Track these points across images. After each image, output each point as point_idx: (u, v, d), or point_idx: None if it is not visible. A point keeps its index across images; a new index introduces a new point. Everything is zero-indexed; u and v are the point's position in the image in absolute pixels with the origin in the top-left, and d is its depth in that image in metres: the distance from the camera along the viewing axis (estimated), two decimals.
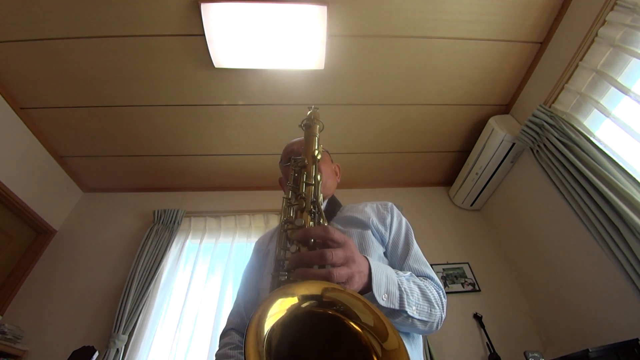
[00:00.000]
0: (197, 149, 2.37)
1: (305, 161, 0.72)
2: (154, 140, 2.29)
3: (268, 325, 0.37)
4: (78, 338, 1.82)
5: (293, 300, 0.40)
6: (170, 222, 2.33)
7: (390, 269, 0.61)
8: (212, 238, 2.36)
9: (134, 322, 1.89)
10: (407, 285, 0.61)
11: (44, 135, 2.18)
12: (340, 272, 0.46)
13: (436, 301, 0.66)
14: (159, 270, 2.09)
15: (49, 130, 2.16)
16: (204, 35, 1.67)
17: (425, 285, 0.67)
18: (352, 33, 1.78)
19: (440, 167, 2.65)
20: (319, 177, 0.69)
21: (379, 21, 1.73)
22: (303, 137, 0.95)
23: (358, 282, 0.50)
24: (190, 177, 2.59)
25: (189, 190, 2.65)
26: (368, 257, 0.56)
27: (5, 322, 1.79)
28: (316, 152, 0.75)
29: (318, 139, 0.80)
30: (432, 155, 2.55)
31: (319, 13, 1.61)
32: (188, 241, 2.34)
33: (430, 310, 0.64)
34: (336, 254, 0.48)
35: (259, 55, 1.77)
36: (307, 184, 0.66)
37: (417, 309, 0.60)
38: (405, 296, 0.58)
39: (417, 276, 0.73)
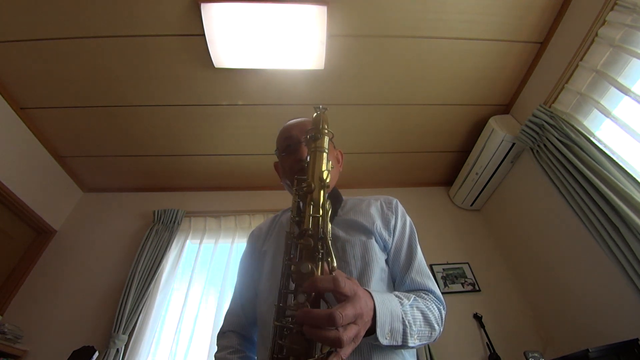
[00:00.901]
0: (197, 149, 2.36)
1: (313, 186, 0.60)
2: (154, 140, 2.28)
3: None
4: (78, 338, 1.81)
5: None
6: (170, 222, 2.33)
7: (394, 300, 0.59)
8: (212, 238, 2.36)
9: (134, 322, 1.89)
10: (411, 315, 0.61)
11: (44, 135, 2.18)
12: (349, 335, 0.45)
13: (436, 321, 0.66)
14: (159, 270, 2.09)
15: (49, 130, 2.16)
16: (204, 35, 1.67)
17: (427, 307, 0.67)
18: (352, 33, 1.78)
19: (440, 167, 2.65)
20: (327, 204, 0.59)
21: (379, 21, 1.73)
22: (303, 119, 0.91)
23: (363, 335, 0.50)
24: (190, 177, 2.59)
25: (189, 190, 2.65)
26: (373, 294, 0.54)
27: (5, 322, 1.79)
28: (325, 173, 0.61)
29: (327, 155, 0.65)
30: (432, 155, 2.55)
31: (319, 13, 1.61)
32: (188, 241, 2.34)
33: (431, 334, 0.64)
34: (346, 316, 0.45)
35: (259, 55, 1.77)
36: (314, 217, 0.56)
37: (418, 337, 0.60)
38: (408, 329, 0.58)
39: (419, 290, 0.73)
